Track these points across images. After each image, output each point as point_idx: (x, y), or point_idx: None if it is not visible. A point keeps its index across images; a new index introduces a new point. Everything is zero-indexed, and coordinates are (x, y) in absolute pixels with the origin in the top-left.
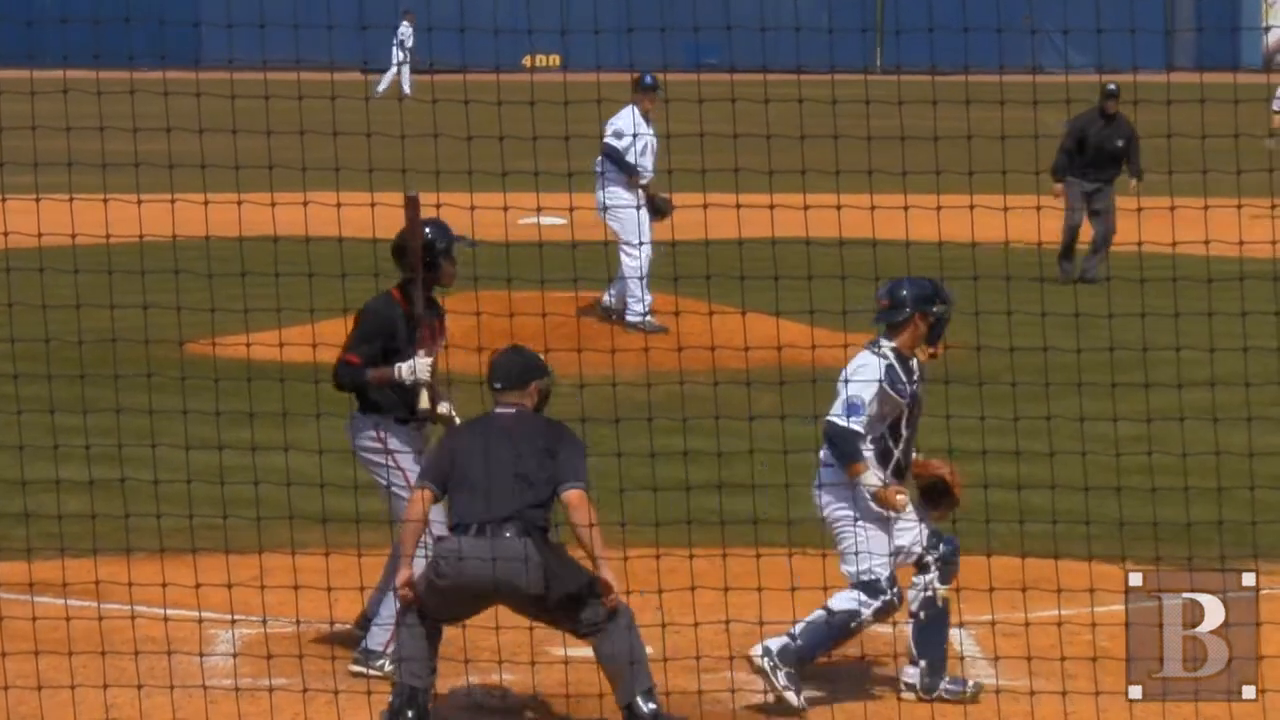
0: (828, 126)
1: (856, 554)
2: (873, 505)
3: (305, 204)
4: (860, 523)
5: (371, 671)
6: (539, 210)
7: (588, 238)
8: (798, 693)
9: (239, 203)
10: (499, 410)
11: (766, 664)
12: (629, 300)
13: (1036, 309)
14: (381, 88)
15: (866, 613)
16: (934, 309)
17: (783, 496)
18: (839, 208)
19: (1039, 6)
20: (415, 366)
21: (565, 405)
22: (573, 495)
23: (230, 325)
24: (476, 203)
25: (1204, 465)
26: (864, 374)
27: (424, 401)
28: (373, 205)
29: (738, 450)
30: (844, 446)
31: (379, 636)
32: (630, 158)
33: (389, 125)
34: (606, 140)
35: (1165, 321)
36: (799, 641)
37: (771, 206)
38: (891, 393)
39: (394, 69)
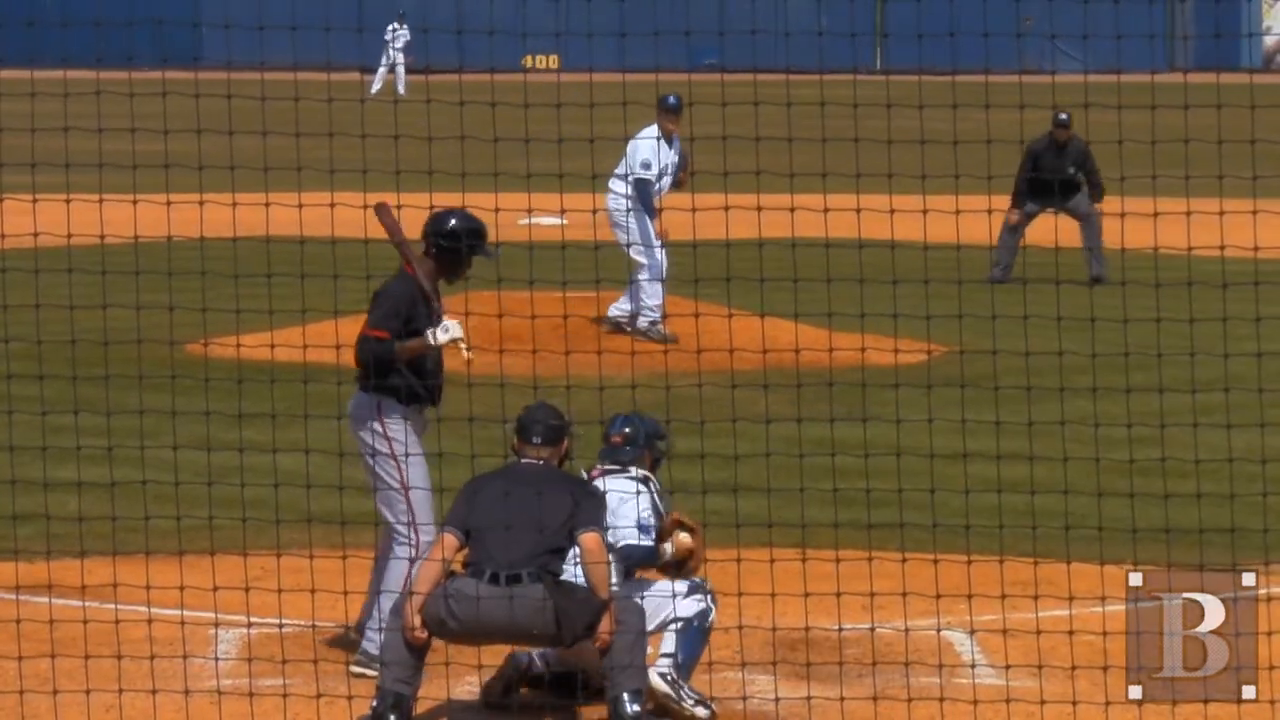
0: (847, 128)
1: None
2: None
3: (300, 206)
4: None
5: (371, 672)
6: (562, 211)
7: (608, 238)
8: (706, 704)
9: (234, 204)
10: (525, 461)
11: (673, 691)
12: (644, 302)
13: (1051, 312)
14: (375, 88)
15: (711, 603)
16: (660, 444)
17: (797, 500)
18: (859, 210)
19: (1041, 9)
20: (447, 327)
21: (584, 408)
22: (588, 539)
23: (250, 324)
24: (482, 204)
25: (1217, 470)
26: (630, 501)
27: (442, 334)
28: (364, 207)
29: (754, 453)
30: (641, 560)
31: (376, 638)
32: (654, 185)
33: (385, 126)
34: (638, 173)
35: (1179, 326)
36: (680, 655)
37: (792, 209)
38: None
39: (384, 68)
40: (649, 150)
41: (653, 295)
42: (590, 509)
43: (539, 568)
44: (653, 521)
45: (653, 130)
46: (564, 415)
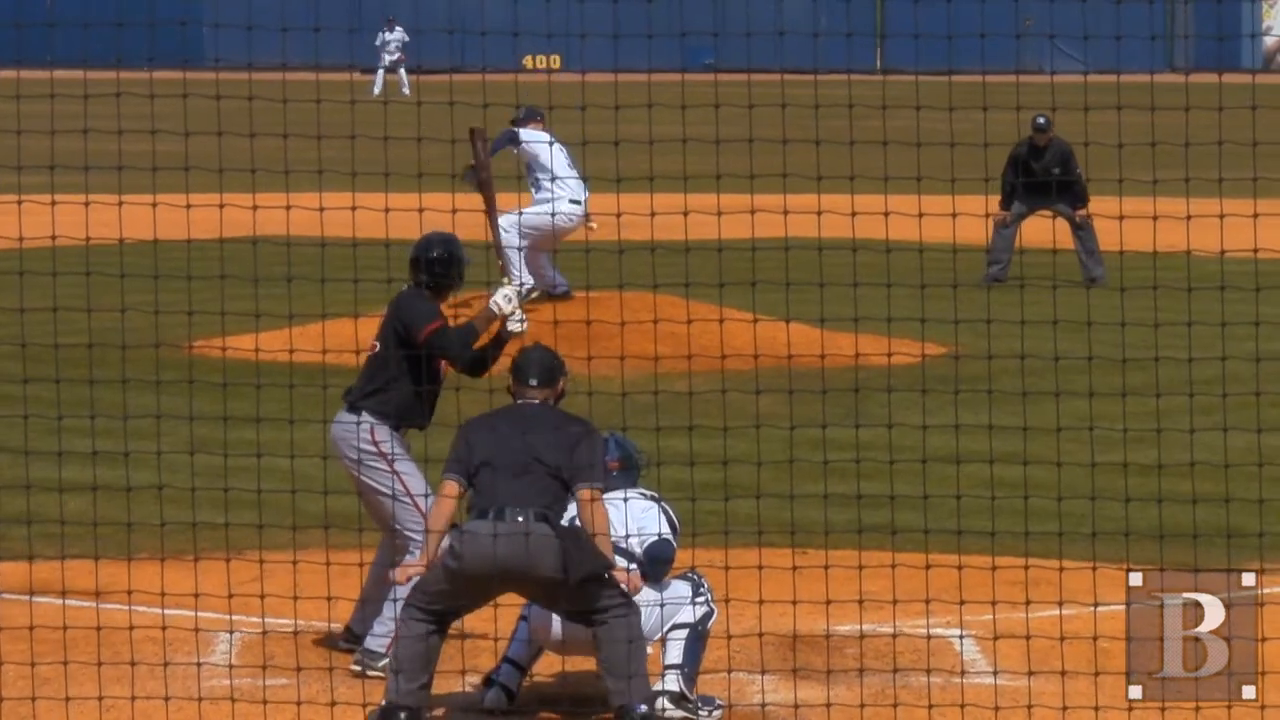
0: (835, 129)
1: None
2: None
3: (288, 207)
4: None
5: (371, 672)
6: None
7: (601, 238)
8: (716, 704)
9: (221, 205)
10: (523, 401)
11: (687, 709)
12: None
13: (1048, 314)
14: (377, 90)
15: (713, 605)
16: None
17: (786, 505)
18: (854, 214)
19: (1042, 9)
20: (509, 295)
21: (572, 410)
22: (585, 493)
23: (236, 326)
24: (473, 204)
25: (1213, 472)
26: (652, 511)
27: (515, 325)
28: (354, 209)
29: (744, 457)
30: (668, 565)
31: (381, 638)
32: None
33: (377, 127)
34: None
35: (1178, 328)
36: (687, 667)
37: (785, 212)
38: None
39: (382, 70)
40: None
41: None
42: (590, 458)
43: (543, 507)
44: (678, 527)
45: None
46: (559, 357)
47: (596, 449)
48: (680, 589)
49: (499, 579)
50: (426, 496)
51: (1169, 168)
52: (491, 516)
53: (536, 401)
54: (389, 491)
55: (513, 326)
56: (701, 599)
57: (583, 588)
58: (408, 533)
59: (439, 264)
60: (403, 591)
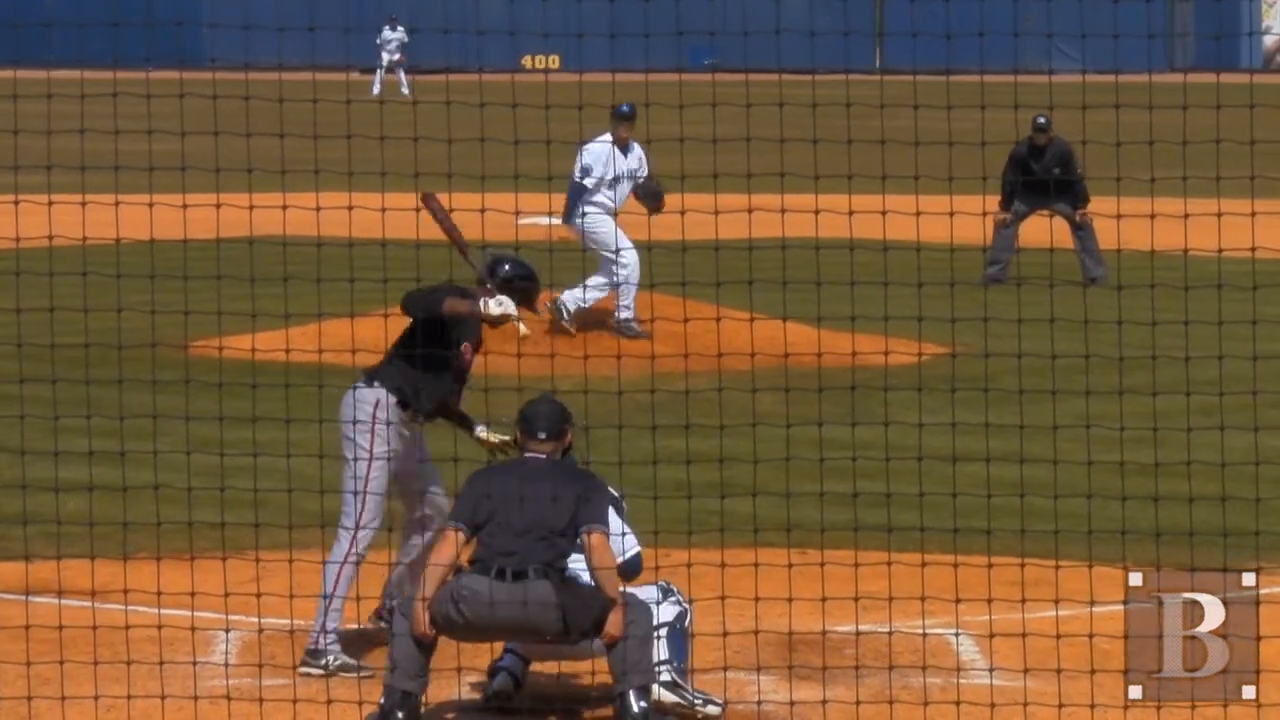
0: (838, 128)
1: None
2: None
3: (284, 207)
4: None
5: (316, 671)
6: (550, 212)
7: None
8: (715, 701)
9: (218, 205)
10: (530, 455)
11: (680, 697)
12: (621, 303)
13: (1045, 313)
14: (376, 89)
15: (687, 605)
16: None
17: (783, 504)
18: (851, 213)
19: (1048, 8)
20: (501, 301)
21: (570, 409)
22: (595, 538)
23: (235, 326)
24: (469, 204)
25: (1209, 471)
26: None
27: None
28: (350, 208)
29: (741, 456)
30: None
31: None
32: (599, 191)
33: (384, 127)
34: (574, 178)
35: (1175, 328)
36: (676, 661)
37: (782, 211)
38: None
39: (382, 70)
40: (593, 157)
41: (591, 293)
42: (596, 506)
43: (545, 564)
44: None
45: (605, 138)
46: (566, 408)
47: (602, 501)
48: (649, 594)
49: (498, 634)
50: (379, 497)
51: (1167, 167)
52: (492, 575)
53: (543, 456)
54: (351, 477)
55: (493, 307)
56: (673, 599)
57: (581, 637)
58: (342, 520)
59: (515, 275)
60: (328, 585)
